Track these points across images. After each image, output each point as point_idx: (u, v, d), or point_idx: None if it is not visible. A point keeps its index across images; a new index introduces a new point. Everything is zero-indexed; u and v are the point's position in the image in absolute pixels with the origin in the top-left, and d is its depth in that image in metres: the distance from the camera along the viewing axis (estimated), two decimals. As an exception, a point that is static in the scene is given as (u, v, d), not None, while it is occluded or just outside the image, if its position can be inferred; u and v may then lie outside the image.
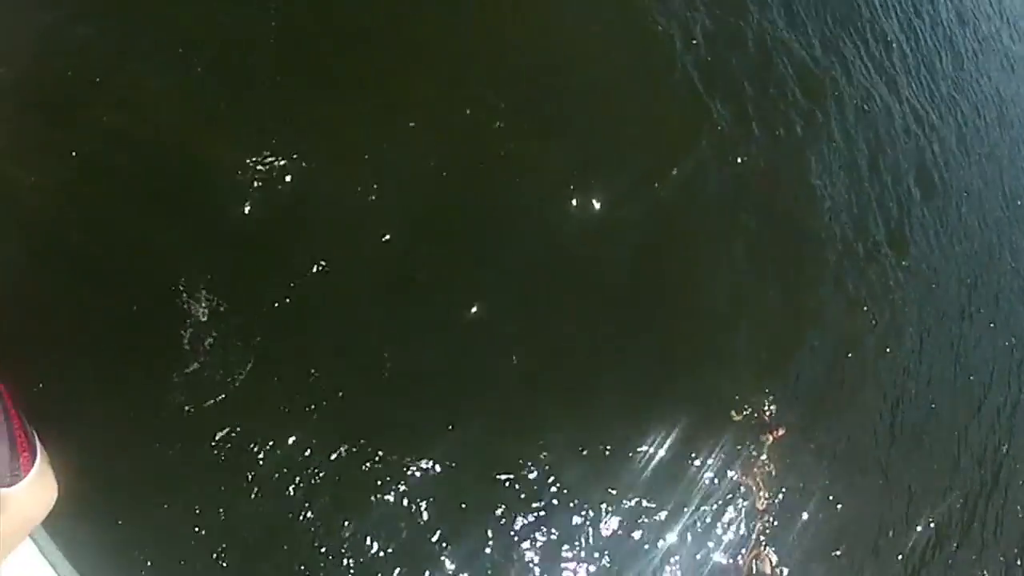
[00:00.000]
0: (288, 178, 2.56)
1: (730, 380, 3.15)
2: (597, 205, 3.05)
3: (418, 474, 2.45)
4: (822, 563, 3.16)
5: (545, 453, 2.64)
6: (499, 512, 2.54)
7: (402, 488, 2.42)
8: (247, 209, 2.49)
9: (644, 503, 2.78)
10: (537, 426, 2.68)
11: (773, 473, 3.10)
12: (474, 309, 2.71)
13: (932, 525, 3.61)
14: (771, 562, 2.97)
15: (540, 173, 3.00)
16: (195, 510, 2.20)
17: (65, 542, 1.82)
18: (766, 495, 3.06)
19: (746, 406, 3.12)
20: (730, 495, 2.98)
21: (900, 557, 3.44)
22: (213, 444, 2.25)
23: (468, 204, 2.84)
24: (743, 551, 2.96)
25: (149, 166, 2.46)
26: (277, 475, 2.29)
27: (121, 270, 2.37)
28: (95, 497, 1.96)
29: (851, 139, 4.13)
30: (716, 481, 2.96)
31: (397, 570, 2.37)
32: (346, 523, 2.33)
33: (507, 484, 2.57)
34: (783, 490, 3.12)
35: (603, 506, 2.71)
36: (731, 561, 2.93)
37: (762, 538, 3.00)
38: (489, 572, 2.49)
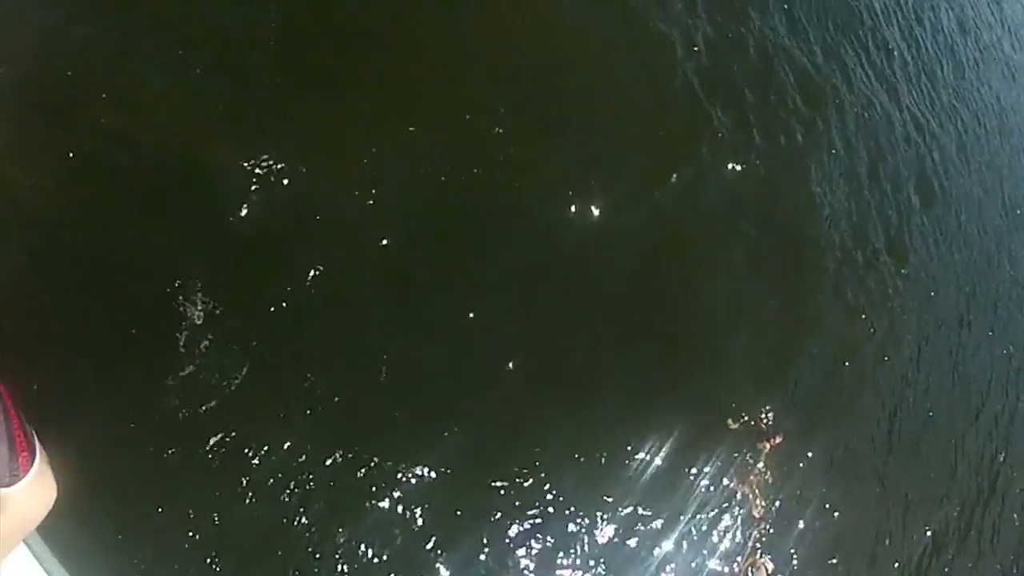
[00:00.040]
0: (286, 180, 2.55)
1: (728, 387, 3.15)
2: (596, 210, 3.04)
3: (414, 480, 2.44)
4: (818, 571, 3.16)
5: (542, 460, 2.63)
6: (495, 519, 2.53)
7: (397, 494, 2.41)
8: (245, 211, 2.49)
9: (640, 510, 2.78)
10: (534, 432, 2.68)
11: (770, 481, 3.10)
12: (471, 314, 2.70)
13: (929, 533, 3.61)
14: (767, 570, 2.97)
15: (540, 178, 3.00)
16: (189, 514, 2.19)
17: (57, 545, 1.81)
18: (763, 503, 3.06)
19: (744, 414, 3.11)
20: (727, 503, 2.97)
21: (897, 565, 3.44)
22: (208, 448, 2.24)
23: (467, 209, 2.84)
24: (739, 559, 2.96)
25: (147, 167, 2.45)
26: (272, 480, 2.28)
27: (118, 271, 2.36)
28: (88, 500, 1.95)
29: (851, 147, 4.13)
30: (713, 489, 2.95)
31: (391, 576, 2.37)
32: (341, 529, 2.33)
33: (503, 491, 2.56)
34: (780, 498, 3.12)
35: (599, 513, 2.70)
36: (727, 569, 2.92)
37: (758, 546, 3.00)
38: (484, 579, 2.49)
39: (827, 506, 3.23)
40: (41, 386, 2.07)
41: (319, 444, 2.36)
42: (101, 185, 2.41)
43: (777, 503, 3.10)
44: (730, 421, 3.08)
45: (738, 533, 2.97)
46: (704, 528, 2.91)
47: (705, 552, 2.90)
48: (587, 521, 2.67)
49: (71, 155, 2.38)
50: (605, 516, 2.71)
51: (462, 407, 2.60)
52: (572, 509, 2.65)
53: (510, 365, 2.71)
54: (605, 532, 2.70)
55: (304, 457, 2.34)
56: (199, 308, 2.33)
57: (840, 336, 3.61)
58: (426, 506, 2.42)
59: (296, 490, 2.30)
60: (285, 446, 2.32)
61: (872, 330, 3.72)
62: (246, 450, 2.28)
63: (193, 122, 2.56)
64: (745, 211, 3.47)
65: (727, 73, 3.72)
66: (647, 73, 3.47)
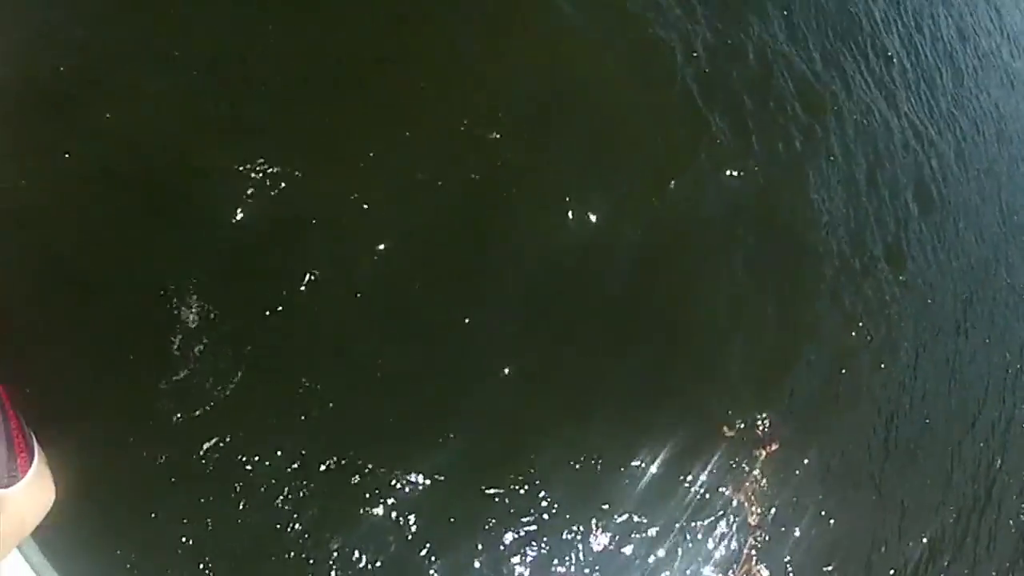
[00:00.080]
0: (283, 184, 2.54)
1: (724, 394, 3.14)
2: (594, 216, 3.04)
3: (408, 487, 2.43)
4: (814, 579, 3.16)
5: (537, 467, 2.62)
6: (489, 527, 2.52)
7: (391, 501, 2.40)
8: (241, 214, 2.48)
9: (636, 518, 2.77)
10: (529, 439, 2.67)
11: (766, 488, 3.09)
12: (467, 320, 2.69)
13: (925, 540, 3.61)
14: (762, 577, 2.97)
15: (537, 183, 3.00)
16: (182, 520, 2.18)
17: (49, 550, 1.80)
18: (758, 510, 3.05)
19: (740, 420, 3.11)
20: (722, 510, 2.97)
21: (893, 572, 3.44)
22: (202, 453, 2.23)
23: (463, 214, 2.83)
24: (735, 566, 2.95)
25: (144, 169, 2.44)
26: (266, 486, 2.27)
27: (113, 273, 2.35)
28: (77, 504, 1.94)
29: (850, 153, 4.14)
30: (708, 496, 2.95)
31: (385, 583, 2.36)
32: (334, 535, 2.32)
33: (497, 498, 2.55)
34: (776, 505, 3.11)
35: (594, 521, 2.69)
36: (722, 577, 2.92)
37: (754, 553, 2.99)
38: (478, 587, 2.48)
39: (823, 513, 3.23)
40: (33, 389, 2.06)
41: (313, 450, 2.35)
42: (97, 186, 2.40)
43: (773, 510, 3.09)
44: (726, 428, 3.08)
45: (734, 540, 2.97)
46: (700, 535, 2.90)
47: (701, 559, 2.90)
48: (582, 528, 2.67)
49: (66, 156, 2.37)
50: (600, 523, 2.70)
51: (457, 413, 2.59)
52: (567, 516, 2.64)
53: (506, 371, 2.70)
54: (600, 540, 2.69)
55: (298, 463, 2.32)
56: (194, 311, 2.32)
57: (837, 343, 3.61)
58: (420, 513, 2.41)
59: (290, 496, 2.29)
60: (279, 452, 2.31)
61: (869, 337, 3.72)
62: (240, 455, 2.27)
63: (190, 124, 2.55)
64: (743, 218, 3.48)
65: (726, 79, 3.72)
66: (646, 79, 3.47)
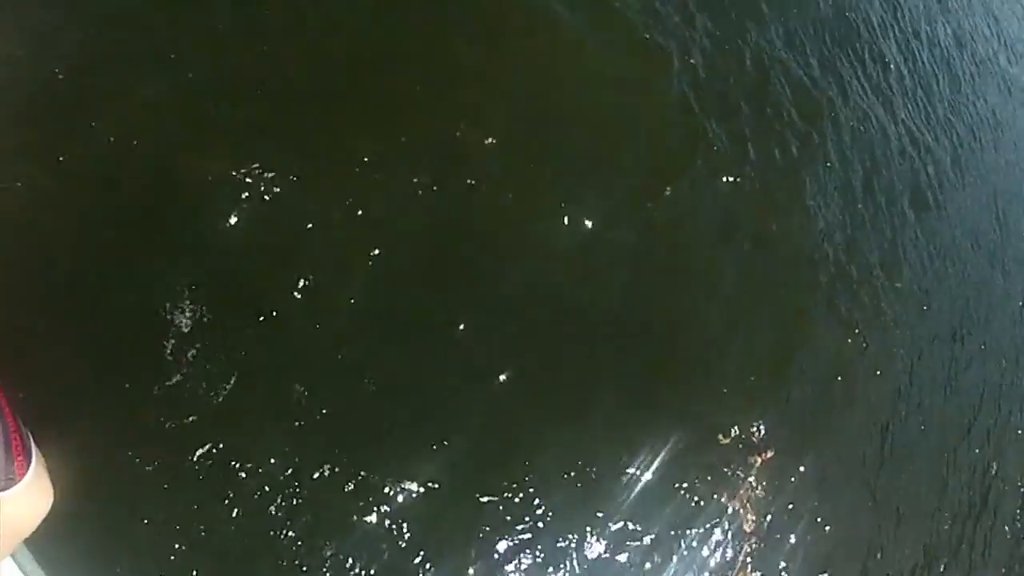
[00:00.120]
0: (277, 189, 2.54)
1: (719, 402, 3.14)
2: (589, 223, 3.04)
3: (401, 494, 2.42)
4: (809, 586, 3.15)
5: (531, 474, 2.61)
6: (483, 534, 2.51)
7: (385, 508, 2.39)
8: (234, 220, 2.47)
9: (631, 525, 2.76)
10: (523, 446, 2.66)
11: (761, 495, 3.09)
12: (461, 327, 2.68)
13: (921, 547, 3.61)
14: (758, 585, 2.96)
15: (533, 189, 2.99)
16: (175, 527, 2.17)
17: (42, 557, 1.79)
18: (754, 517, 3.05)
19: (735, 428, 3.10)
20: (718, 518, 2.96)
21: (888, 580, 3.44)
22: (194, 459, 2.22)
23: (457, 220, 2.82)
24: (730, 573, 2.94)
25: (138, 173, 2.43)
26: (259, 492, 2.26)
27: (107, 277, 2.34)
28: (70, 511, 1.93)
29: (846, 160, 4.14)
30: (704, 503, 2.94)
31: (379, 590, 2.35)
32: (328, 542, 2.30)
33: (492, 505, 2.54)
34: (771, 512, 3.11)
35: (589, 529, 2.68)
36: (718, 584, 2.91)
37: (749, 560, 2.99)
38: (473, 595, 2.47)
39: (819, 520, 3.22)
40: (26, 392, 2.05)
41: (307, 456, 2.34)
42: (90, 190, 2.39)
43: (768, 517, 3.09)
44: (721, 436, 3.07)
45: (729, 548, 2.96)
46: (695, 543, 2.89)
47: (696, 567, 2.89)
48: (577, 536, 2.66)
49: (60, 159, 2.36)
50: (595, 531, 2.70)
51: (451, 421, 2.58)
52: (562, 524, 2.63)
53: (500, 378, 2.69)
54: (595, 547, 2.68)
55: (291, 469, 2.32)
56: (187, 316, 2.31)
57: (833, 350, 3.61)
58: (414, 520, 2.40)
59: (283, 502, 2.28)
60: (272, 458, 2.30)
61: (865, 344, 3.72)
62: (233, 461, 2.26)
63: (184, 129, 2.54)
64: (739, 224, 3.48)
65: (722, 86, 3.73)
66: (642, 85, 3.47)
